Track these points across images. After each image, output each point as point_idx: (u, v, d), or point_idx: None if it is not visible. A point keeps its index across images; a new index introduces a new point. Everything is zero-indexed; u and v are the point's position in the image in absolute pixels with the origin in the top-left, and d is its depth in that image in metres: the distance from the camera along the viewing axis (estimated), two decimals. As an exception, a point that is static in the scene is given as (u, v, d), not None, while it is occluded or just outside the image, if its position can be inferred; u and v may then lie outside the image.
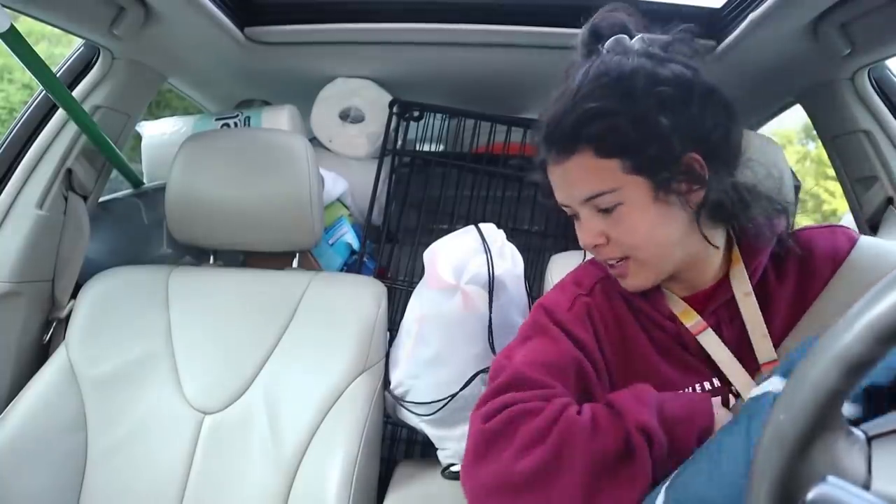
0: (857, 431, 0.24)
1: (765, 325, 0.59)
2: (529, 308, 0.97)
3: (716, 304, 0.62)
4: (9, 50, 0.82)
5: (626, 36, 0.60)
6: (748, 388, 0.57)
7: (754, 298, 0.60)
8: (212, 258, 1.07)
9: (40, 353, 0.96)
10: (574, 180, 0.58)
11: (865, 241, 0.63)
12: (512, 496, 0.49)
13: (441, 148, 1.48)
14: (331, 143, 1.35)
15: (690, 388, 0.60)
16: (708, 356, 0.60)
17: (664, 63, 0.57)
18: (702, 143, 0.55)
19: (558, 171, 0.59)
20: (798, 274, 0.62)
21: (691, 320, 0.61)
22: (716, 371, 0.60)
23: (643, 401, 0.52)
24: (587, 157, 0.56)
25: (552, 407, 0.52)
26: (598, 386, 0.60)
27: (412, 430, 1.03)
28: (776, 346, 0.59)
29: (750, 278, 0.61)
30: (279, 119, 1.29)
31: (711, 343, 0.60)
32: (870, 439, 0.23)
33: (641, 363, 0.62)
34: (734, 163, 0.59)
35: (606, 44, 0.60)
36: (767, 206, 0.60)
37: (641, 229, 0.57)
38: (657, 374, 0.61)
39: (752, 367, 0.59)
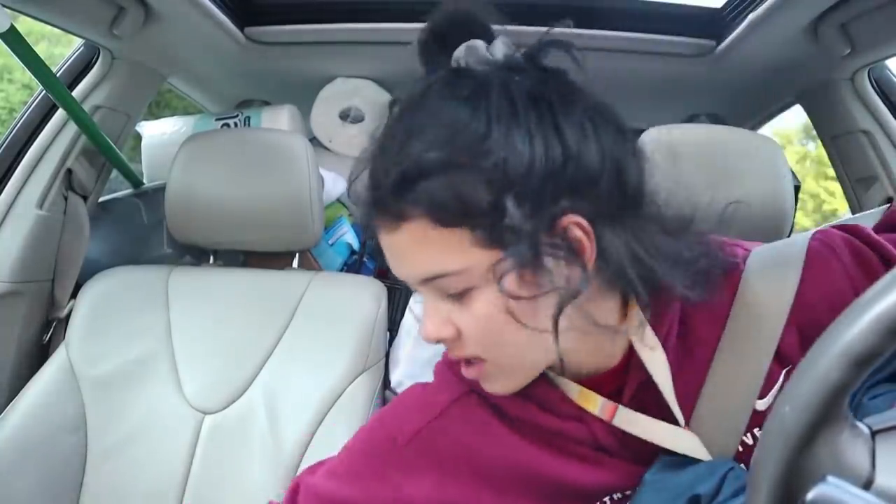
0: (861, 425, 0.23)
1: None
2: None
3: (634, 386, 0.45)
4: (9, 50, 0.82)
5: (482, 42, 0.46)
6: (699, 448, 0.43)
7: (662, 353, 0.43)
8: (212, 258, 1.07)
9: (40, 353, 0.96)
10: (406, 257, 0.42)
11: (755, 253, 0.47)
12: None
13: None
14: (331, 143, 1.35)
15: (615, 495, 0.46)
16: (630, 447, 0.45)
17: (531, 76, 0.41)
18: (587, 192, 0.39)
19: (386, 242, 0.43)
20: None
21: (595, 405, 0.45)
22: (641, 457, 0.45)
23: None
24: (422, 226, 0.39)
25: None
26: None
27: (412, 431, 1.02)
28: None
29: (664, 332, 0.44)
30: (279, 119, 1.29)
31: (632, 421, 0.44)
32: (874, 433, 0.23)
33: (536, 482, 0.46)
34: (634, 210, 0.41)
35: (456, 52, 0.47)
36: (687, 260, 0.42)
37: (499, 322, 0.40)
38: (563, 484, 0.46)
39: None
